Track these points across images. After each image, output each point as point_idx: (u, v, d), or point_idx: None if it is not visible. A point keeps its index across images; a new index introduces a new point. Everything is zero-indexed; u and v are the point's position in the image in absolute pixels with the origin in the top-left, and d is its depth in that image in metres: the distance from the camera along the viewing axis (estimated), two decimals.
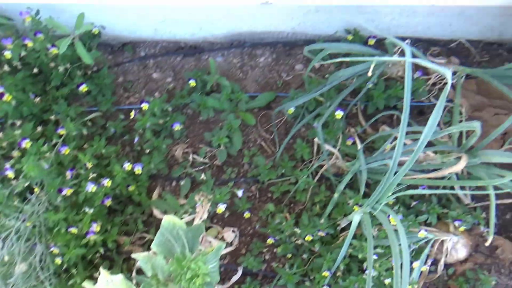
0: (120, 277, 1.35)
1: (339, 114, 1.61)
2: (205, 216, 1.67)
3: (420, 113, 1.86)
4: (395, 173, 1.28)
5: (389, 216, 1.37)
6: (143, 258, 1.39)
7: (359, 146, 1.58)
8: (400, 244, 1.37)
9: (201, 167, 1.89)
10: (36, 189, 1.53)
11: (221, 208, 1.63)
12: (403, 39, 1.74)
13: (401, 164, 1.28)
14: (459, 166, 1.30)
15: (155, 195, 1.87)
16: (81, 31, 1.76)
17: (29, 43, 1.74)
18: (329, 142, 1.69)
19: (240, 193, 1.69)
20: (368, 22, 1.88)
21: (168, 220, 1.42)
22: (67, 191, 1.54)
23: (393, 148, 1.68)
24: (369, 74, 1.25)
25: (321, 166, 1.75)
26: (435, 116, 1.10)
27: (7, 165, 1.55)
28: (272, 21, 1.92)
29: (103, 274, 1.35)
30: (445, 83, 1.84)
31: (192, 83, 1.89)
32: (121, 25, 1.99)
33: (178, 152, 1.92)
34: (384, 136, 1.67)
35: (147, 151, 1.86)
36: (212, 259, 1.40)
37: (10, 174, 1.49)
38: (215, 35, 2.05)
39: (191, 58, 2.09)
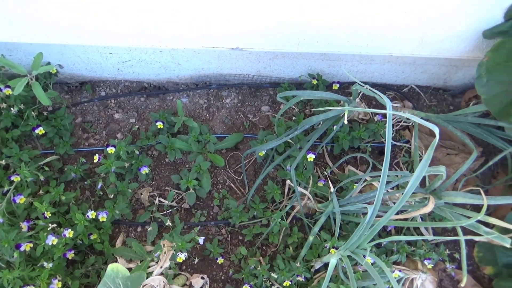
0: None
1: (311, 157, 1.65)
2: (166, 264, 1.58)
3: (380, 153, 1.97)
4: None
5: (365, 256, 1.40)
6: None
7: (332, 189, 1.62)
8: (375, 284, 1.41)
9: (169, 211, 1.82)
10: None
11: (181, 257, 1.55)
12: (362, 83, 1.86)
13: (370, 204, 1.33)
14: (428, 208, 1.39)
15: (119, 242, 1.76)
16: (39, 71, 1.65)
17: None
18: (300, 184, 1.72)
19: (201, 240, 1.61)
20: (330, 68, 1.99)
21: (112, 267, 1.40)
22: (26, 246, 1.39)
23: (361, 191, 1.75)
24: (345, 122, 1.31)
25: (292, 208, 1.76)
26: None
27: None
28: (239, 64, 1.96)
29: None
30: (401, 125, 1.98)
31: (159, 125, 1.84)
32: (80, 64, 1.91)
33: (144, 196, 1.83)
34: (352, 177, 1.73)
35: (111, 196, 1.76)
36: None
37: None
38: (180, 76, 2.04)
39: (156, 98, 2.05)
